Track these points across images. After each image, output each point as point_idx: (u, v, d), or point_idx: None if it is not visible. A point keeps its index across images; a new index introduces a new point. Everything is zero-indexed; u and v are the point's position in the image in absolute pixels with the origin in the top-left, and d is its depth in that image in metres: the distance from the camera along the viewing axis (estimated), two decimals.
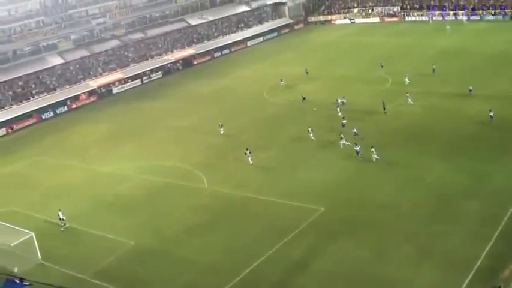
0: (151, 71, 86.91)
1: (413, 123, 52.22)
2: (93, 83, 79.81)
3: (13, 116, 69.70)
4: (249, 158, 47.50)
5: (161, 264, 34.34)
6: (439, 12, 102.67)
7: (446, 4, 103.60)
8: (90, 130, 64.72)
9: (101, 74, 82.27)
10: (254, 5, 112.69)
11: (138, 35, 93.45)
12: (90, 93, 78.80)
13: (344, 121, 52.49)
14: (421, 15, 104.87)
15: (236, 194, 42.60)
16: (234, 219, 38.89)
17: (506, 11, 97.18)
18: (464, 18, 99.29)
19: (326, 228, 35.91)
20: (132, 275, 33.66)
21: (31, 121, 71.06)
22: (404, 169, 42.91)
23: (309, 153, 48.68)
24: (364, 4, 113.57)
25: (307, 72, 74.65)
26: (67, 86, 77.66)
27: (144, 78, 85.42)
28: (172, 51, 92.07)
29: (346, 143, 47.59)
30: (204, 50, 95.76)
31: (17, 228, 36.80)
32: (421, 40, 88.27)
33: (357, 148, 45.57)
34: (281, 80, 71.54)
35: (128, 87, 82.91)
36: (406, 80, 63.73)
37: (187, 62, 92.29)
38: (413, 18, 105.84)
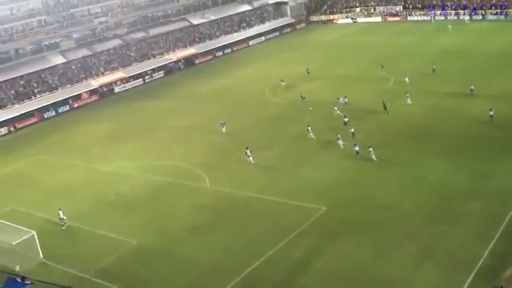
0: (153, 70, 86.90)
1: (414, 123, 52.18)
2: (95, 82, 79.82)
3: (15, 115, 69.75)
4: (250, 158, 47.53)
5: (163, 263, 34.36)
6: (440, 12, 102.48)
7: (448, 4, 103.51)
8: (92, 129, 64.77)
9: (102, 73, 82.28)
10: (256, 4, 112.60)
11: (140, 34, 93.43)
12: (92, 92, 78.83)
13: (346, 119, 52.54)
14: (423, 14, 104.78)
15: (238, 193, 42.60)
16: (235, 219, 38.90)
17: (508, 10, 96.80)
18: (466, 17, 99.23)
19: (328, 228, 35.90)
20: (134, 274, 33.69)
21: (33, 120, 71.12)
22: (406, 169, 42.87)
23: (311, 152, 48.69)
24: (366, 3, 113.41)
25: (308, 72, 74.63)
26: (69, 85, 77.65)
27: (146, 77, 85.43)
28: (174, 51, 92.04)
29: (343, 143, 47.61)
30: (206, 50, 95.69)
31: (18, 227, 36.85)
32: (423, 40, 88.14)
33: (357, 148, 45.61)
34: (282, 81, 71.49)
35: (130, 87, 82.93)
36: (406, 79, 63.75)
37: (189, 61, 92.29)
38: (415, 18, 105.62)
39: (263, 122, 58.73)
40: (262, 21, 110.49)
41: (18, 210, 43.72)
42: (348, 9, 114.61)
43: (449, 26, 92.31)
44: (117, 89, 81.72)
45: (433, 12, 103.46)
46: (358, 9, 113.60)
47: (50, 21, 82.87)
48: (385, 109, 55.06)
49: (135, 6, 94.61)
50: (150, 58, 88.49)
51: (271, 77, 75.22)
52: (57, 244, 38.06)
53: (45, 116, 72.42)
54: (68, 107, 75.25)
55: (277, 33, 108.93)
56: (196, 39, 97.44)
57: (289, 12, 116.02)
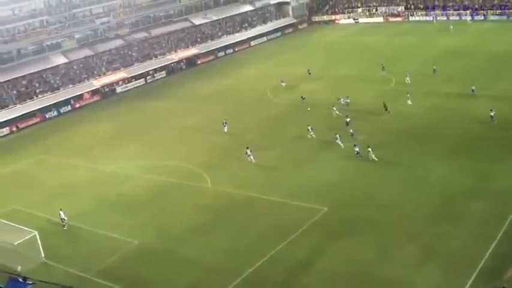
0: (155, 70, 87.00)
1: (416, 123, 52.16)
2: (97, 83, 79.92)
3: (17, 115, 69.87)
4: (250, 157, 47.57)
5: (165, 263, 34.40)
6: (441, 12, 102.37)
7: (450, 4, 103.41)
8: (93, 129, 64.85)
9: (104, 73, 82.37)
10: (258, 4, 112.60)
11: (142, 35, 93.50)
12: (94, 92, 78.92)
13: (348, 119, 52.55)
14: (425, 15, 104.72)
15: (240, 193, 42.64)
16: (237, 219, 38.93)
17: (509, 11, 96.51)
18: (468, 18, 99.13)
19: (329, 228, 35.92)
20: (136, 274, 33.73)
21: (35, 120, 71.24)
22: (407, 169, 42.87)
23: (312, 152, 48.71)
24: (368, 4, 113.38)
25: (309, 73, 74.62)
26: (71, 85, 77.77)
27: (148, 77, 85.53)
28: (176, 51, 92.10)
29: (341, 143, 47.61)
30: (208, 50, 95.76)
31: (20, 227, 36.91)
32: (424, 40, 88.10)
33: (357, 149, 45.64)
34: (282, 81, 71.46)
35: (132, 87, 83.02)
36: (407, 80, 63.73)
37: (190, 61, 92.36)
38: (417, 18, 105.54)
39: (265, 122, 58.75)
40: (264, 22, 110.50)
41: (19, 210, 43.78)
42: (350, 10, 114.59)
43: (451, 27, 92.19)
44: (119, 89, 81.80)
45: (434, 12, 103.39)
46: (360, 10, 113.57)
47: (52, 22, 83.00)
48: (386, 109, 55.09)
49: (137, 7, 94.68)
50: (152, 58, 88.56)
51: (272, 77, 75.20)
52: (58, 244, 38.11)
53: (47, 116, 72.53)
54: (69, 107, 75.36)
55: (279, 34, 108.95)
56: (198, 40, 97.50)
57: (291, 13, 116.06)
